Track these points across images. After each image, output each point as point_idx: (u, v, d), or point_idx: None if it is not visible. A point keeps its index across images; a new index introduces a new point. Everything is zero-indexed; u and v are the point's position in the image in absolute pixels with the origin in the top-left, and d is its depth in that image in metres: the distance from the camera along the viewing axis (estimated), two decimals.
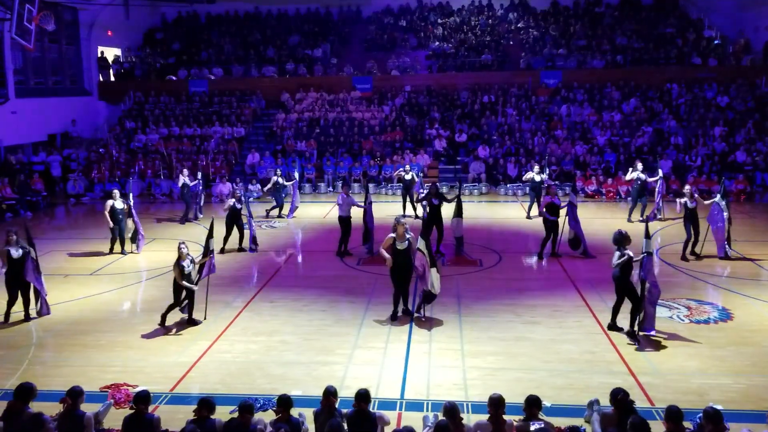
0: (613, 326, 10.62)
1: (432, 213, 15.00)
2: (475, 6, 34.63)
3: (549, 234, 15.02)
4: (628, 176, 18.77)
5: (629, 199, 19.80)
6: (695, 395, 8.37)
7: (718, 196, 14.65)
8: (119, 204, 15.54)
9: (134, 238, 16.03)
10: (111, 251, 15.84)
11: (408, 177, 19.35)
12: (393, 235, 11.15)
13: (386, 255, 11.16)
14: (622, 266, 10.20)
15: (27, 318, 11.49)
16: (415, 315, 11.35)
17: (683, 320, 11.06)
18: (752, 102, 26.57)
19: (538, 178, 18.86)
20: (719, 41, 29.71)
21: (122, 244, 15.92)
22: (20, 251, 11.35)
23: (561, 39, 31.09)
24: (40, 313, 11.61)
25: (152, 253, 15.99)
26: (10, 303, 11.44)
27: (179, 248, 10.94)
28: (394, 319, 11.17)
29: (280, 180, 19.82)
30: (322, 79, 30.34)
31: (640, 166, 18.52)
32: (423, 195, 15.74)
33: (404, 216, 18.17)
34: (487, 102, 28.41)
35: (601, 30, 31.60)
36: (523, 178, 20.38)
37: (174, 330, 10.89)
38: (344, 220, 15.43)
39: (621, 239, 10.33)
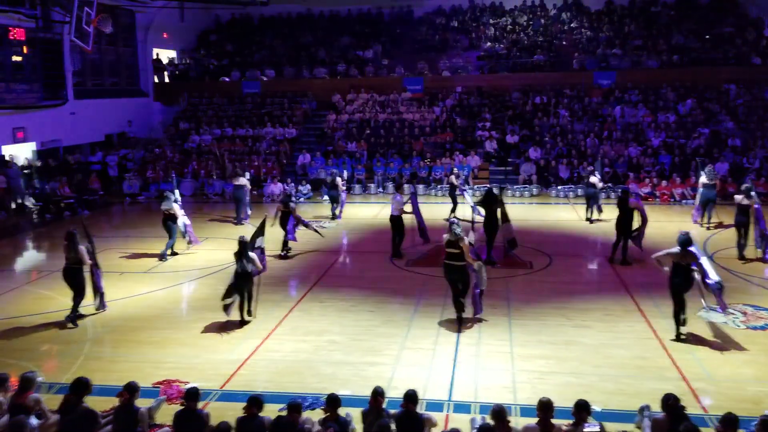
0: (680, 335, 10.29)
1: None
2: (527, 6, 34.31)
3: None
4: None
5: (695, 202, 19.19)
6: (750, 403, 8.15)
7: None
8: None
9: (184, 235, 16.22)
10: (164, 256, 15.66)
11: (457, 181, 19.32)
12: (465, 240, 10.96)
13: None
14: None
15: (80, 315, 11.67)
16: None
17: (739, 326, 10.79)
18: None
19: (593, 180, 18.74)
20: None
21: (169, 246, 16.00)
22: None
23: (615, 39, 30.56)
24: (97, 309, 11.93)
25: (205, 252, 16.23)
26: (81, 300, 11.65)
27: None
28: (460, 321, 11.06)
29: (338, 180, 19.94)
30: (373, 80, 30.43)
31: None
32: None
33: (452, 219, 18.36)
34: (539, 103, 28.10)
35: (656, 29, 30.94)
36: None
37: (225, 328, 11.06)
38: (395, 219, 15.37)
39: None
